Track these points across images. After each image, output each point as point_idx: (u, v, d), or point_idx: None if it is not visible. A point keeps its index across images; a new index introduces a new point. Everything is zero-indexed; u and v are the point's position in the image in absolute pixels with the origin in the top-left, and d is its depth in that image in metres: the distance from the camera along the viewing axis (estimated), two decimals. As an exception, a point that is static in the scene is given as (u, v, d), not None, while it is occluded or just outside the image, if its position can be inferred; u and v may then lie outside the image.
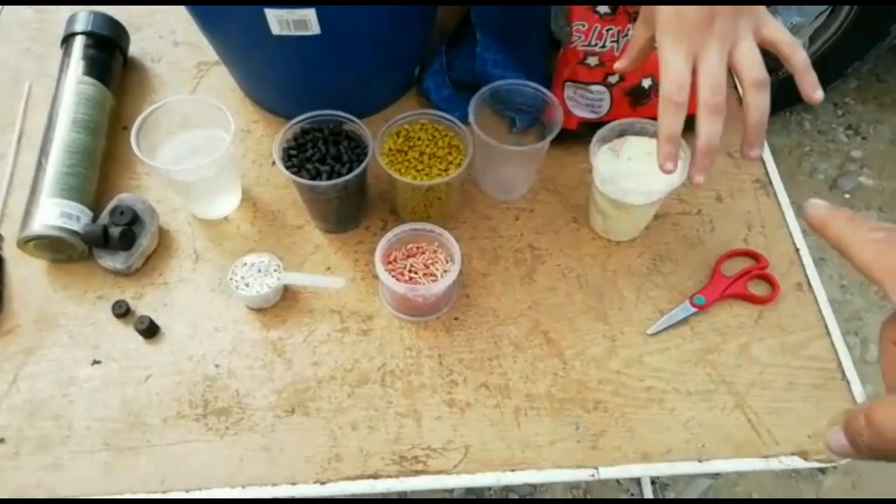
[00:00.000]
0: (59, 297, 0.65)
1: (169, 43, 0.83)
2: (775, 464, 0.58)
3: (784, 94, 1.60)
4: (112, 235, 0.64)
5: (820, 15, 1.27)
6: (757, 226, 0.69)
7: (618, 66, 0.57)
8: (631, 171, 0.63)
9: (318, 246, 0.70)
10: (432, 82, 0.79)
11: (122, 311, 0.64)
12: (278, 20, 0.61)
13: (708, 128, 0.51)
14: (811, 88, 0.52)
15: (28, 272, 0.67)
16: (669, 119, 0.51)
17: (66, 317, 0.64)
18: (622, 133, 0.65)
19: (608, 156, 0.64)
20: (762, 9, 0.53)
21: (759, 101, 0.51)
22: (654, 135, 0.63)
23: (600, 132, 0.64)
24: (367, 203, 0.71)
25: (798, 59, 0.52)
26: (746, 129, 0.53)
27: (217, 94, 0.80)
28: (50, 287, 0.66)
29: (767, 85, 0.52)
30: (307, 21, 0.61)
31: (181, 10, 0.82)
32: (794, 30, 1.24)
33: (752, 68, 0.51)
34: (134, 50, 0.81)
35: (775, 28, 0.53)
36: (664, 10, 0.51)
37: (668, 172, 0.53)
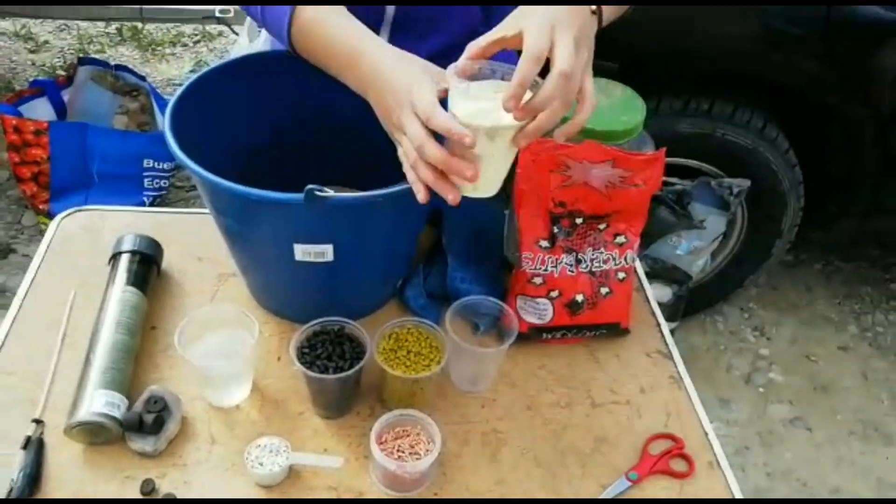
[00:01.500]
0: (92, 478, 0.75)
1: (193, 258, 1.01)
2: None
3: (698, 298, 1.88)
4: (146, 421, 0.76)
5: (716, 239, 1.58)
6: (674, 413, 0.87)
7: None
8: (480, 108, 0.63)
9: (317, 430, 0.83)
10: (412, 293, 0.98)
11: (149, 490, 0.74)
12: (303, 251, 0.80)
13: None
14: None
15: (65, 456, 0.76)
16: (528, 72, 0.59)
17: (98, 495, 0.73)
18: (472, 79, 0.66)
19: (460, 95, 0.64)
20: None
21: (554, 86, 0.59)
22: (501, 78, 0.66)
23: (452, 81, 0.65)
24: (359, 392, 0.85)
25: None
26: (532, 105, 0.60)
27: (233, 300, 0.96)
28: (85, 468, 0.75)
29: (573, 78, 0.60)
30: (325, 252, 0.80)
31: (208, 231, 1.02)
32: (696, 251, 1.54)
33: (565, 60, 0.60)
34: (164, 262, 0.98)
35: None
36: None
37: (509, 110, 0.59)
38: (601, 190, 0.86)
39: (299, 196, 0.71)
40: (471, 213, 1.04)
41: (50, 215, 2.11)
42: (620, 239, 0.90)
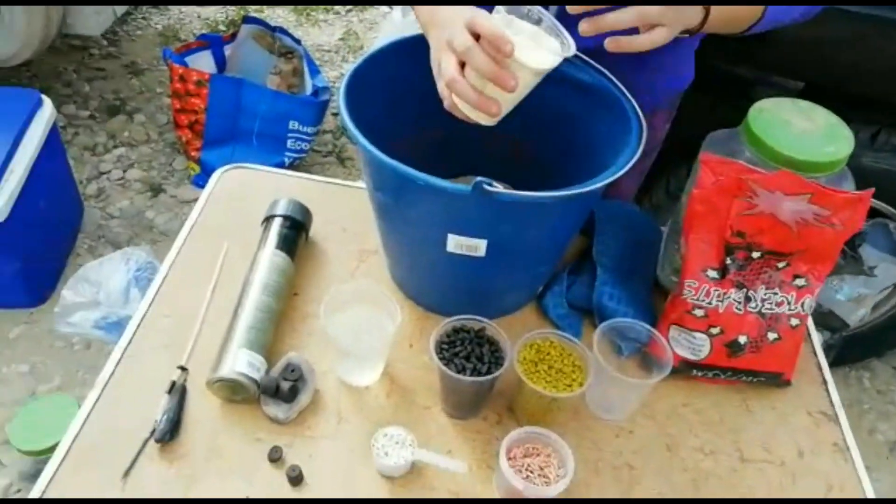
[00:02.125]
0: (226, 434, 0.76)
1: (339, 228, 1.01)
2: None
3: (849, 349, 1.70)
4: (282, 388, 0.76)
5: (885, 290, 1.42)
6: (836, 487, 0.77)
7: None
8: (519, 43, 0.66)
9: (442, 427, 0.80)
10: (552, 301, 0.93)
11: (277, 457, 0.74)
12: (455, 243, 0.77)
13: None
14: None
15: (203, 407, 0.79)
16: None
17: (229, 452, 0.75)
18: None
19: (502, 24, 0.68)
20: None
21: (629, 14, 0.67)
22: (536, 22, 0.70)
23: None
24: (490, 398, 0.82)
25: None
26: None
27: (372, 277, 0.95)
28: (220, 423, 0.77)
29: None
30: (478, 247, 0.77)
31: (354, 204, 1.01)
32: (859, 299, 1.38)
33: None
34: (311, 229, 0.99)
35: None
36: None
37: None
38: (790, 225, 0.77)
39: (466, 188, 0.68)
40: (627, 225, 0.99)
41: (200, 162, 2.23)
42: (800, 282, 0.81)
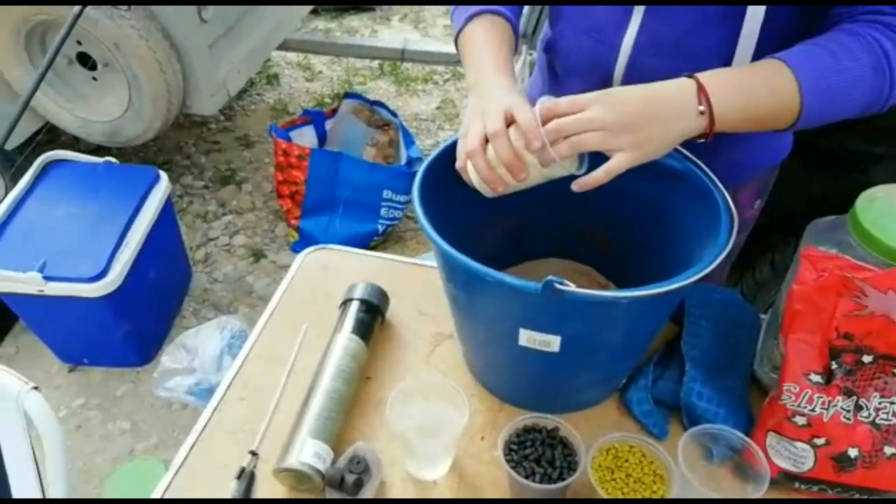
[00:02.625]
0: (289, 524, 0.76)
1: (415, 311, 1.00)
2: None
3: None
4: (346, 481, 0.75)
5: None
6: None
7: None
8: None
9: (511, 532, 0.75)
10: (636, 396, 0.87)
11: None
12: (528, 338, 0.73)
13: None
14: None
15: (271, 494, 0.78)
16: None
17: (291, 545, 0.74)
18: None
19: None
20: None
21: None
22: None
23: None
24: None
25: None
26: None
27: (446, 362, 0.93)
28: (284, 513, 0.77)
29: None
30: (551, 342, 0.73)
31: (432, 285, 1.01)
32: None
33: None
34: (388, 311, 0.99)
35: None
36: None
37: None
38: (906, 327, 0.68)
39: (537, 286, 0.65)
40: (721, 313, 0.91)
41: (299, 230, 2.33)
42: (922, 390, 0.71)
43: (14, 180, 2.18)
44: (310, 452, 0.76)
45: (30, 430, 0.81)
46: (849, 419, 0.72)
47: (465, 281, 0.74)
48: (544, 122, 0.69)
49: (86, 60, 2.01)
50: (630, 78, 0.83)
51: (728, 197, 0.75)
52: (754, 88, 0.70)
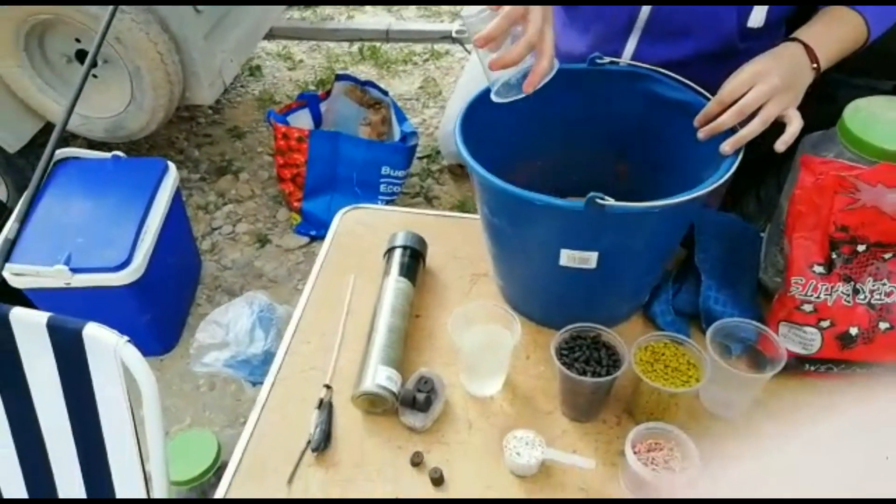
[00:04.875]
0: (370, 442, 0.85)
1: (451, 256, 1.10)
2: None
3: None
4: (418, 399, 0.84)
5: None
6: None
7: None
8: None
9: (565, 430, 0.86)
10: (659, 308, 0.97)
11: (418, 461, 0.82)
12: (568, 256, 0.83)
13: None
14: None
15: (348, 419, 0.88)
16: (710, 110, 0.85)
17: (375, 458, 0.83)
18: None
19: None
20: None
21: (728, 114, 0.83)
22: None
23: None
24: (608, 401, 0.87)
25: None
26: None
27: (484, 296, 1.02)
28: (364, 433, 0.86)
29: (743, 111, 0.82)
30: (589, 259, 0.83)
31: (463, 233, 1.10)
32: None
33: None
34: (428, 258, 1.08)
35: None
36: None
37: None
38: (894, 216, 0.79)
39: (580, 203, 0.75)
40: (726, 232, 1.02)
41: (301, 212, 2.40)
42: (909, 271, 0.83)
43: (17, 184, 2.22)
44: (382, 377, 0.85)
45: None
46: (848, 302, 0.83)
47: (512, 209, 0.83)
48: (716, 116, 0.83)
49: (84, 58, 2.05)
50: (657, 14, 0.94)
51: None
52: (838, 36, 0.87)
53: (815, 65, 0.84)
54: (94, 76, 2.04)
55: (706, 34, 0.93)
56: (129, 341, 0.84)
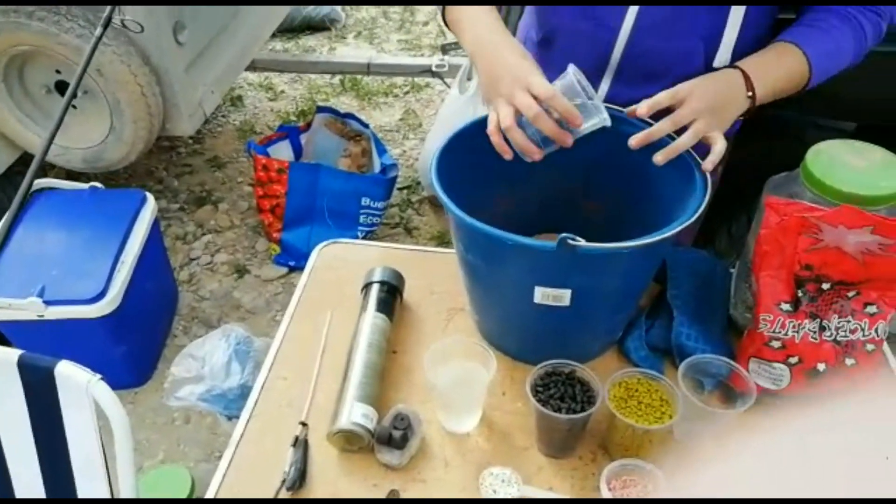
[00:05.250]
0: (345, 480, 0.85)
1: (428, 291, 1.11)
2: None
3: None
4: (394, 436, 0.85)
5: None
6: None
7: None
8: None
9: (541, 467, 0.86)
10: (633, 344, 0.99)
11: (394, 499, 0.82)
12: (542, 294, 0.85)
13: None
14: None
15: (324, 457, 0.87)
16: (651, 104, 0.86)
17: (350, 497, 0.83)
18: None
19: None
20: None
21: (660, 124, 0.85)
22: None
23: None
24: (583, 437, 0.87)
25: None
26: None
27: (461, 331, 1.03)
28: (340, 471, 0.86)
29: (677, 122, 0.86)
30: (563, 296, 0.85)
31: (439, 267, 1.11)
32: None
33: None
34: (405, 293, 1.09)
35: None
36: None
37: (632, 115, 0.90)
38: (855, 256, 0.82)
39: (552, 244, 0.76)
40: (696, 268, 1.05)
41: (281, 243, 2.39)
42: (871, 309, 0.85)
43: (-8, 214, 2.19)
44: (358, 414, 0.85)
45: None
46: (815, 339, 0.86)
47: (485, 247, 0.84)
48: (651, 117, 0.86)
49: (64, 89, 2.06)
50: (628, 57, 0.97)
51: (696, 156, 0.88)
52: (779, 71, 0.90)
53: (750, 93, 0.88)
54: (74, 107, 2.04)
55: (676, 76, 0.97)
56: (101, 379, 0.83)
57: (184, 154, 2.97)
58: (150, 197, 1.97)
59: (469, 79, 2.38)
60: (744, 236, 0.99)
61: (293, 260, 2.38)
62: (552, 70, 0.85)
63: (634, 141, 0.85)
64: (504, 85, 0.83)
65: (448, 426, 0.91)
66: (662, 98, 0.85)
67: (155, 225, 1.99)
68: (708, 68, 0.95)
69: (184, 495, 1.41)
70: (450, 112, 2.37)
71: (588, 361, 0.98)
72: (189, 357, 1.63)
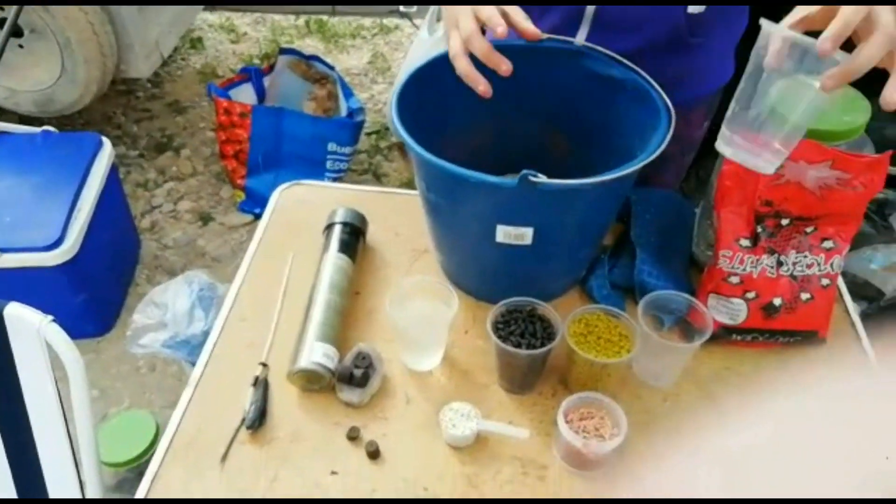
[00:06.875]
0: (306, 418, 0.84)
1: (392, 233, 1.09)
2: None
3: (888, 318, 1.69)
4: (355, 375, 0.84)
5: (920, 256, 1.44)
6: (878, 432, 0.82)
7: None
8: None
9: (501, 402, 0.87)
10: (595, 282, 0.99)
11: (355, 436, 0.82)
12: (504, 233, 0.84)
13: None
14: None
15: (284, 396, 0.87)
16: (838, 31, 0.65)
17: (311, 435, 0.83)
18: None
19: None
20: None
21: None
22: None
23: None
24: (544, 373, 0.88)
25: None
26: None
27: (425, 273, 1.02)
28: (300, 410, 0.85)
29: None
30: (524, 235, 0.84)
31: (403, 209, 1.09)
32: (892, 267, 1.41)
33: None
34: (367, 234, 1.07)
35: None
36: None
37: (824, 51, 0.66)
38: (814, 191, 0.82)
39: (513, 181, 0.75)
40: (661, 208, 1.05)
41: (245, 189, 2.35)
42: (828, 244, 0.86)
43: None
44: (319, 353, 0.85)
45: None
46: (773, 274, 0.87)
47: (447, 186, 0.83)
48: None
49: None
50: (605, 7, 0.94)
51: (665, 97, 0.86)
52: None
53: None
54: (21, 46, 1.94)
55: (654, 26, 0.95)
56: (53, 320, 0.81)
57: (142, 98, 2.87)
58: (107, 141, 1.90)
59: (438, 20, 2.32)
60: (710, 177, 0.99)
61: (258, 207, 2.34)
62: (533, 18, 0.83)
63: (831, 80, 0.68)
64: (458, 12, 0.81)
65: (410, 364, 0.91)
66: (851, 18, 0.66)
67: (113, 170, 1.93)
68: (686, 15, 0.92)
69: (149, 439, 1.41)
70: (418, 55, 2.31)
71: (551, 300, 0.98)
72: (151, 304, 1.60)
